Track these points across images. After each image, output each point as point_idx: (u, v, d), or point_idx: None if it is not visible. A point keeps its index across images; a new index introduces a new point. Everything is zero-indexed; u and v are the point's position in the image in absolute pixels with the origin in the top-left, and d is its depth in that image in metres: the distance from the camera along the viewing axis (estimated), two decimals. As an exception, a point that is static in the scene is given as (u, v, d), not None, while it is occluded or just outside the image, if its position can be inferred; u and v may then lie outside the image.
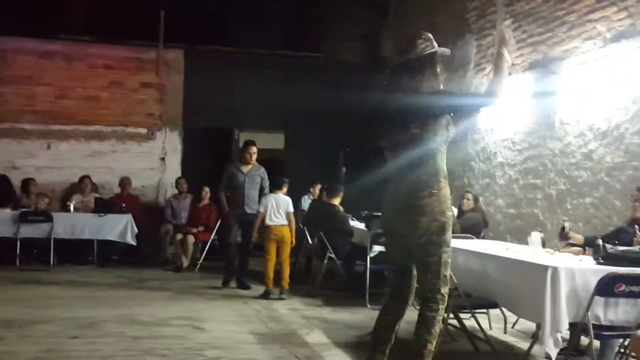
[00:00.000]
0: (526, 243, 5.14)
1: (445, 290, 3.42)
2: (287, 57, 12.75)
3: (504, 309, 5.30)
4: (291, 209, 7.64)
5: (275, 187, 7.76)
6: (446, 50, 3.53)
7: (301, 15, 14.12)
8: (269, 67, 12.18)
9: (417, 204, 3.40)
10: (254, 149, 8.09)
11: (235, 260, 8.03)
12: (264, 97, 11.86)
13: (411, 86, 3.43)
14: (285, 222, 7.56)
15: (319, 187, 10.05)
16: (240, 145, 12.07)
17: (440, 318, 3.42)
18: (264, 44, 12.88)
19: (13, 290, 7.41)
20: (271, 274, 7.44)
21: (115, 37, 11.45)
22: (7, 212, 9.21)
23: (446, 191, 3.48)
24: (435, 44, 3.51)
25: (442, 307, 3.41)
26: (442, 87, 3.57)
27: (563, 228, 5.29)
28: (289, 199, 7.69)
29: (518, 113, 8.26)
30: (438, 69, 3.52)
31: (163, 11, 11.31)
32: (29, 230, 9.05)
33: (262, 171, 8.21)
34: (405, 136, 3.44)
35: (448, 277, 3.47)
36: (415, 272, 3.57)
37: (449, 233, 3.45)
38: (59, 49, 11.18)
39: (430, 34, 3.55)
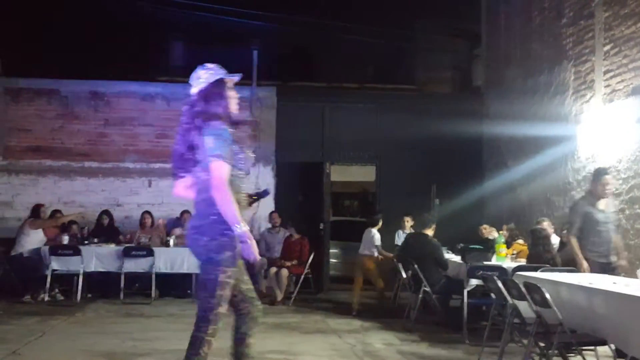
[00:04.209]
0: (635, 276, 4.85)
1: (218, 310, 3.43)
2: (377, 89, 12.83)
3: (612, 346, 5.00)
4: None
5: (371, 224, 9.30)
6: (235, 76, 3.70)
7: (390, 48, 14.22)
8: (359, 101, 12.29)
9: (200, 224, 3.50)
10: (609, 179, 6.52)
11: None
12: (355, 130, 11.93)
13: (208, 110, 3.55)
14: (366, 252, 9.23)
15: (409, 218, 9.95)
16: (332, 178, 12.21)
17: (210, 339, 3.41)
18: (353, 78, 13.03)
19: (117, 323, 7.69)
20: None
21: (211, 77, 11.91)
22: (112, 247, 9.64)
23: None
24: (221, 71, 3.66)
25: (212, 327, 3.41)
26: (235, 107, 3.67)
27: None
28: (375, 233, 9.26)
29: (622, 140, 7.89)
30: (228, 92, 3.65)
31: (256, 51, 11.68)
32: (132, 265, 9.40)
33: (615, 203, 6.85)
34: (184, 161, 3.59)
35: (225, 298, 3.46)
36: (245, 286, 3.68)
37: (229, 252, 3.41)
38: (160, 90, 11.72)
39: (214, 64, 3.69)
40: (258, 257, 3.46)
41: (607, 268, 6.22)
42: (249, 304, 3.71)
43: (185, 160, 3.56)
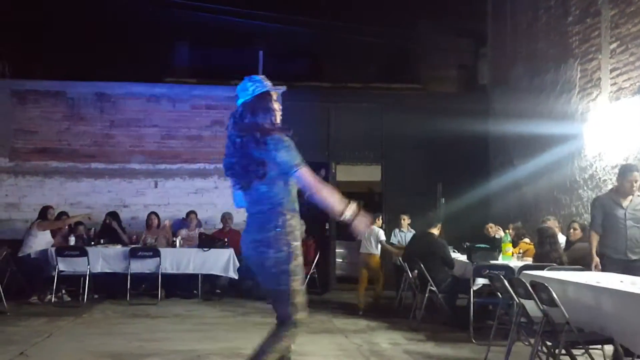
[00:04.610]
0: (643, 275, 4.83)
1: (298, 316, 3.52)
2: (382, 89, 12.82)
3: (620, 344, 4.97)
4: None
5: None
6: (280, 89, 3.60)
7: (395, 47, 14.20)
8: (365, 100, 12.28)
9: (263, 237, 3.55)
10: (637, 176, 6.30)
11: None
12: (360, 130, 11.93)
13: (259, 123, 3.59)
14: (372, 251, 9.08)
15: (406, 217, 9.98)
16: (338, 178, 12.20)
17: (287, 342, 3.51)
18: (358, 77, 13.01)
19: (124, 324, 7.70)
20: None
21: (216, 78, 11.92)
22: (118, 248, 9.66)
23: (292, 222, 3.58)
24: (266, 83, 3.70)
25: (293, 330, 3.51)
26: (279, 120, 3.70)
27: None
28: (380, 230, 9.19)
29: (628, 138, 7.85)
30: (273, 105, 3.68)
31: (261, 51, 11.69)
32: (138, 266, 9.41)
33: None
34: (259, 173, 3.57)
35: (301, 304, 3.55)
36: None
37: (296, 261, 3.53)
38: (165, 92, 11.75)
39: (259, 76, 3.73)
40: (368, 229, 3.59)
41: (627, 265, 6.11)
42: None
43: (249, 172, 3.57)
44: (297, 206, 3.65)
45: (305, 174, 3.45)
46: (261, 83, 3.68)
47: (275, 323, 3.56)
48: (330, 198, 3.44)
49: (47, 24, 13.11)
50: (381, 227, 9.45)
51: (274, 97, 3.70)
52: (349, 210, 3.42)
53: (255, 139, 3.52)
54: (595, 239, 6.41)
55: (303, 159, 3.50)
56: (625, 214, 6.28)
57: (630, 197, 6.31)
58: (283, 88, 3.84)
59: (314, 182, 3.45)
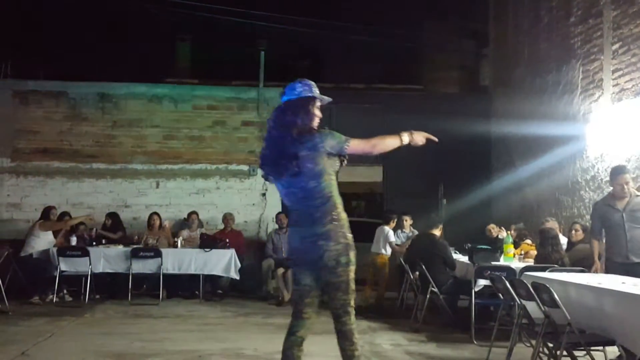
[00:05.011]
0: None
1: (353, 302, 3.71)
2: (384, 90, 12.82)
3: (622, 346, 4.96)
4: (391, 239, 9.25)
5: (385, 222, 9.43)
6: (325, 99, 3.89)
7: (398, 48, 14.20)
8: (367, 101, 12.26)
9: (322, 232, 3.65)
10: (627, 177, 6.26)
11: None
12: (362, 130, 11.85)
13: (299, 123, 3.73)
14: (380, 251, 9.19)
15: (408, 218, 9.98)
16: (339, 179, 12.19)
17: (354, 326, 3.70)
18: (361, 78, 13.01)
19: (125, 324, 7.70)
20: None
21: (218, 78, 11.92)
22: (120, 248, 9.66)
23: (343, 215, 3.73)
24: (315, 90, 3.86)
25: (353, 315, 3.70)
26: (316, 126, 3.82)
27: None
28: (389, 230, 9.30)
29: (631, 139, 7.84)
30: (314, 110, 3.82)
31: (263, 52, 11.69)
32: (139, 266, 9.42)
33: None
34: (290, 169, 3.68)
35: (354, 290, 3.72)
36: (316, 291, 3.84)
37: (353, 252, 3.70)
38: (167, 92, 11.75)
39: (311, 82, 3.88)
40: (433, 137, 4.03)
41: (629, 269, 5.94)
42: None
43: (279, 165, 3.69)
44: (341, 199, 3.78)
45: (356, 144, 3.80)
46: (310, 88, 3.84)
47: (337, 320, 3.72)
48: (388, 143, 3.93)
49: (48, 24, 13.13)
50: (392, 229, 9.45)
51: (318, 104, 3.84)
52: (405, 140, 3.95)
53: (291, 136, 3.66)
54: (595, 246, 6.40)
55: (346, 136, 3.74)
56: (622, 217, 6.21)
57: (626, 199, 6.21)
58: (330, 99, 3.93)
59: (367, 144, 3.86)
